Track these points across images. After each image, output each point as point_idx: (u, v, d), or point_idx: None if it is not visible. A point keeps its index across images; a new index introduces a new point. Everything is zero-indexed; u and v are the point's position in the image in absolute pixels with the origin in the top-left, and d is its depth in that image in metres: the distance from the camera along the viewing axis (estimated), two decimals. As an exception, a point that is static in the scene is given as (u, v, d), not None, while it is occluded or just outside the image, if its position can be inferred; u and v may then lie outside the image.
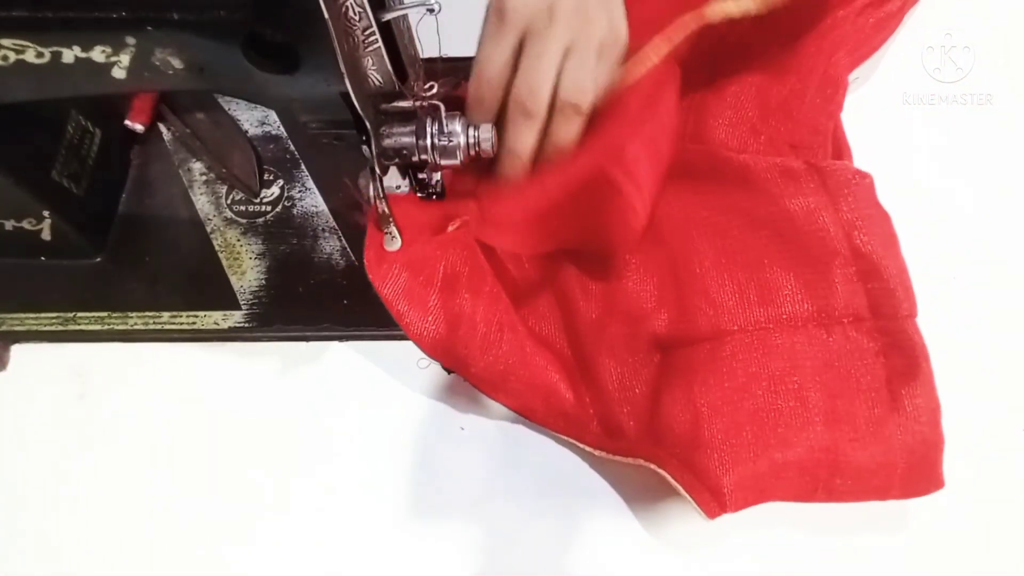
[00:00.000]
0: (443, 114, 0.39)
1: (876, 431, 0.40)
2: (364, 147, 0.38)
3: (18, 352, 0.50)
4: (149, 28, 0.34)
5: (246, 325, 0.49)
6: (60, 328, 0.50)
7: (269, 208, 0.53)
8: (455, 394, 0.47)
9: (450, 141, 0.39)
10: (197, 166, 0.54)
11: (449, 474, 0.45)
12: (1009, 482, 0.44)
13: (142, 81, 0.37)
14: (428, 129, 0.38)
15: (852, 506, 0.41)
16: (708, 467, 0.39)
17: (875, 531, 0.42)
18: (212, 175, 0.54)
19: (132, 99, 0.54)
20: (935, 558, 0.42)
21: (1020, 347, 0.47)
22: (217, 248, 0.51)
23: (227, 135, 0.54)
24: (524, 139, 0.41)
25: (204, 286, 0.50)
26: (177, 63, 0.36)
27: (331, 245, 0.51)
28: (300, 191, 0.53)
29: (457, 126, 0.39)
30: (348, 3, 0.32)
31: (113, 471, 0.46)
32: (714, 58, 0.48)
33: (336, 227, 0.52)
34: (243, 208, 0.53)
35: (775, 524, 0.43)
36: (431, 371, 0.48)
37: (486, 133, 0.39)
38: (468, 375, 0.45)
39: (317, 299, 0.49)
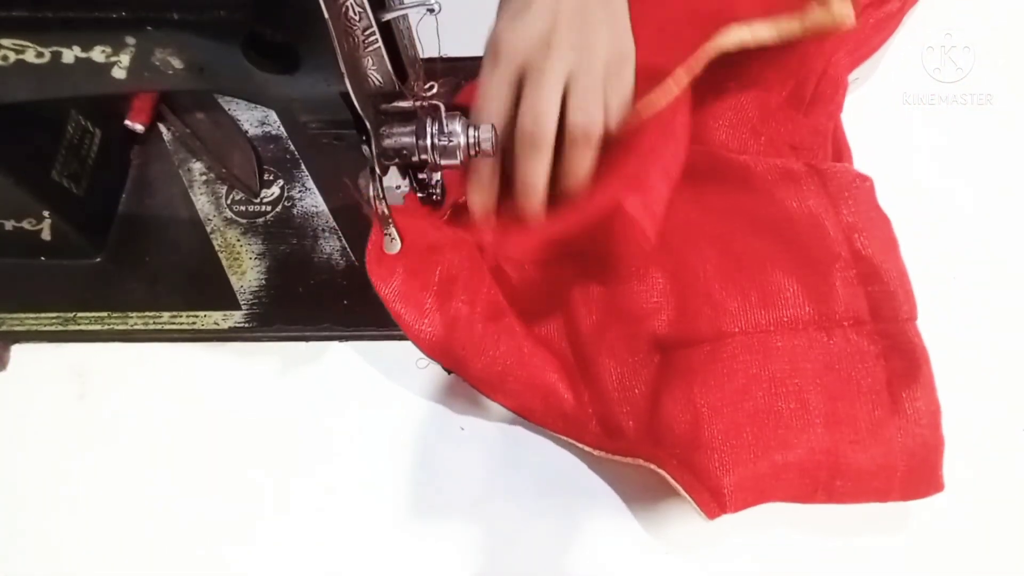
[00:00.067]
0: (443, 114, 0.39)
1: (876, 433, 0.40)
2: (364, 147, 0.38)
3: (18, 352, 0.50)
4: (149, 28, 0.34)
5: (246, 325, 0.49)
6: (60, 328, 0.50)
7: (269, 208, 0.53)
8: (455, 394, 0.47)
9: (450, 141, 0.39)
10: (197, 166, 0.54)
11: (449, 474, 0.45)
12: (1009, 482, 0.44)
13: (142, 81, 0.37)
14: (428, 129, 0.38)
15: (852, 506, 0.41)
16: (708, 467, 0.39)
17: (875, 531, 0.42)
18: (212, 175, 0.54)
19: (132, 99, 0.54)
20: (935, 558, 0.42)
21: (1020, 347, 0.47)
22: (217, 248, 0.52)
23: (227, 135, 0.54)
24: (535, 171, 0.41)
25: (204, 286, 0.50)
26: (177, 63, 0.36)
27: (331, 245, 0.51)
28: (300, 191, 0.53)
29: (457, 126, 0.39)
30: (348, 3, 0.32)
31: (113, 471, 0.46)
32: (714, 59, 0.48)
33: (336, 227, 0.52)
34: (243, 208, 0.53)
35: (775, 524, 0.43)
36: (431, 371, 0.48)
37: (486, 133, 0.39)
38: (466, 375, 0.45)
39: (317, 299, 0.49)
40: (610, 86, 0.41)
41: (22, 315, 0.50)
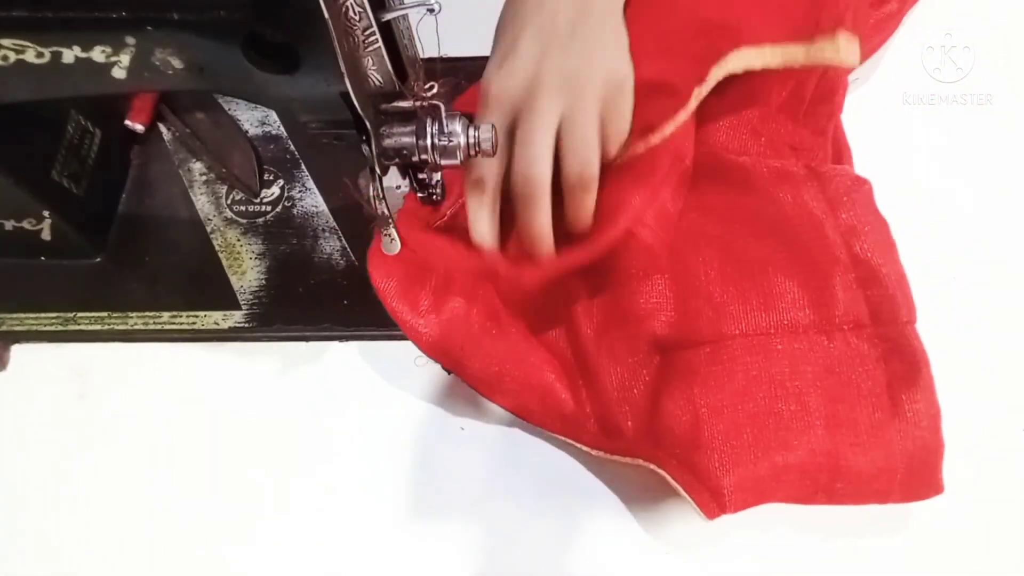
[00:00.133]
0: (443, 114, 0.39)
1: (877, 436, 0.40)
2: (364, 147, 0.38)
3: (18, 352, 0.50)
4: (149, 28, 0.34)
5: (246, 325, 0.49)
6: (60, 328, 0.50)
7: (269, 208, 0.53)
8: (455, 394, 0.47)
9: (450, 141, 0.39)
10: (197, 166, 0.54)
11: (449, 474, 0.45)
12: (1009, 482, 0.44)
13: (142, 81, 0.37)
14: (428, 129, 0.38)
15: (852, 507, 0.41)
16: (708, 468, 0.39)
17: (875, 532, 0.42)
18: (212, 175, 0.54)
19: (132, 99, 0.54)
20: (935, 559, 0.42)
21: (1020, 347, 0.47)
22: (217, 248, 0.51)
23: (227, 135, 0.54)
24: (536, 221, 0.41)
25: (204, 286, 0.50)
26: (177, 63, 0.36)
27: (331, 245, 0.51)
28: (300, 191, 0.53)
29: (457, 126, 0.39)
30: (348, 3, 0.32)
31: (113, 471, 0.46)
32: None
33: (336, 227, 0.52)
34: (243, 208, 0.53)
35: (775, 525, 0.43)
36: (431, 371, 0.48)
37: (486, 133, 0.39)
38: (464, 375, 0.45)
39: (317, 299, 0.49)
40: (607, 115, 0.41)
41: (22, 315, 0.50)
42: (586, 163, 0.40)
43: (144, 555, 0.44)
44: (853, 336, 0.42)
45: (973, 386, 0.45)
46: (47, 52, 0.36)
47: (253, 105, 0.55)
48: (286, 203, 0.53)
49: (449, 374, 0.47)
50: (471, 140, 0.39)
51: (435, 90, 0.38)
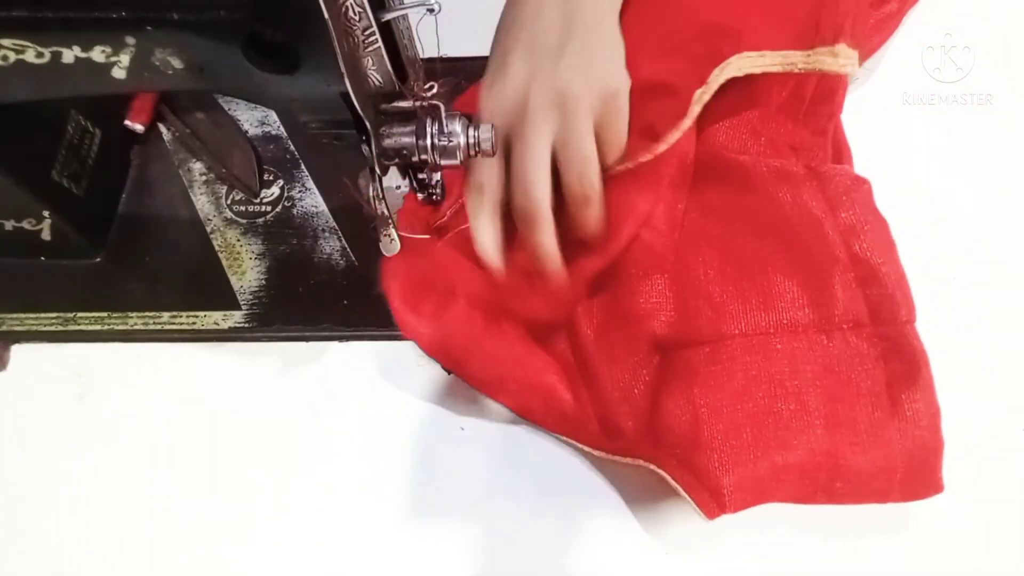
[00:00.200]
0: (443, 114, 0.39)
1: (876, 435, 0.40)
2: (364, 147, 0.38)
3: (18, 352, 0.50)
4: (149, 28, 0.34)
5: (246, 325, 0.49)
6: (60, 328, 0.50)
7: (269, 208, 0.53)
8: (455, 394, 0.47)
9: (450, 141, 0.39)
10: (197, 166, 0.54)
11: (449, 474, 0.45)
12: (1009, 482, 0.44)
13: (142, 81, 0.37)
14: (428, 129, 0.38)
15: (852, 507, 0.41)
16: (708, 467, 0.39)
17: (875, 532, 0.42)
18: (212, 175, 0.54)
19: (132, 99, 0.54)
20: (935, 559, 0.42)
21: (1020, 347, 0.47)
22: (217, 248, 0.52)
23: (227, 135, 0.54)
24: (539, 241, 0.41)
25: (204, 286, 0.50)
26: (177, 63, 0.36)
27: (331, 245, 0.51)
28: (300, 191, 0.53)
29: (457, 126, 0.39)
30: (348, 3, 0.32)
31: (113, 471, 0.46)
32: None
33: (336, 227, 0.52)
34: (243, 208, 0.53)
35: (775, 525, 0.43)
36: (431, 371, 0.48)
37: (486, 133, 0.39)
38: (466, 376, 0.45)
39: (317, 299, 0.49)
40: (602, 127, 0.41)
41: (22, 315, 0.50)
42: (585, 178, 0.40)
43: (144, 555, 0.44)
44: (852, 335, 0.42)
45: (973, 386, 0.45)
46: (47, 52, 0.36)
47: (253, 105, 0.55)
48: (286, 203, 0.53)
49: (449, 374, 0.47)
50: (471, 140, 0.39)
51: (435, 90, 0.38)
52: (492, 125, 0.40)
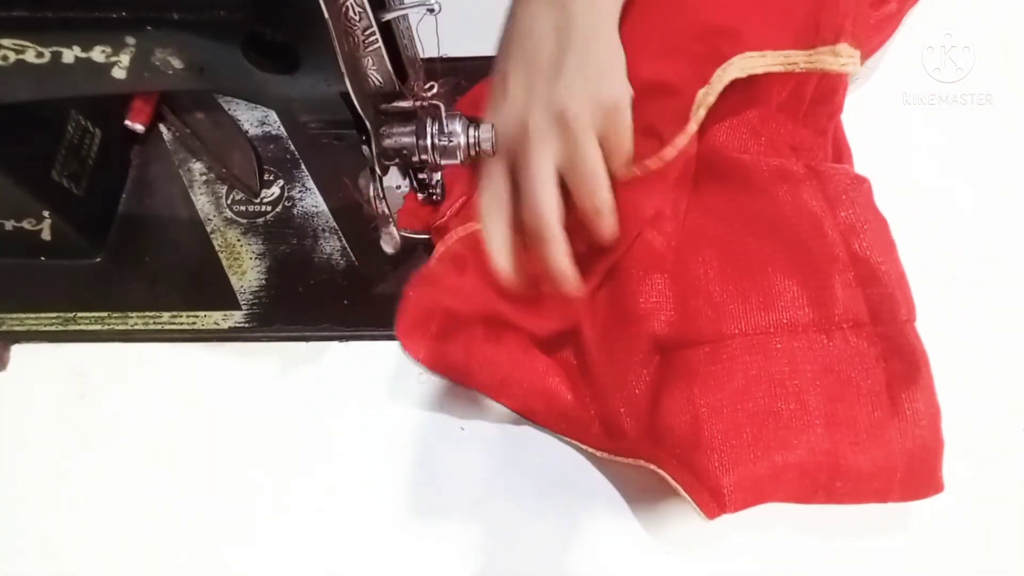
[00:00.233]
0: (443, 114, 0.39)
1: (876, 435, 0.40)
2: (364, 147, 0.38)
3: (18, 352, 0.50)
4: (149, 28, 0.34)
5: (246, 325, 0.49)
6: (60, 328, 0.50)
7: (269, 208, 0.53)
8: (455, 394, 0.47)
9: (450, 141, 0.39)
10: (197, 166, 0.54)
11: (449, 474, 0.45)
12: (1009, 482, 0.44)
13: (142, 81, 0.37)
14: (428, 129, 0.38)
15: (852, 507, 0.41)
16: (708, 467, 0.39)
17: (875, 532, 0.42)
18: (212, 175, 0.54)
19: (132, 99, 0.54)
20: (935, 559, 0.42)
21: (1020, 347, 0.47)
22: (217, 248, 0.52)
23: (227, 135, 0.54)
24: (555, 258, 0.41)
25: (204, 286, 0.50)
26: (177, 63, 0.36)
27: (331, 245, 0.51)
28: (300, 191, 0.53)
29: (457, 126, 0.39)
30: (348, 3, 0.32)
31: (113, 471, 0.46)
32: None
33: (336, 227, 0.52)
34: (243, 208, 0.53)
35: (775, 525, 0.43)
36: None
37: (486, 133, 0.39)
38: (469, 384, 0.45)
39: (317, 299, 0.50)
40: (605, 139, 0.40)
41: (22, 315, 0.50)
42: (595, 193, 0.40)
43: (144, 555, 0.44)
44: (852, 335, 0.42)
45: (973, 386, 0.45)
46: (47, 52, 0.36)
47: (253, 105, 0.55)
48: (286, 203, 0.53)
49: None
50: (471, 140, 0.39)
51: (435, 90, 0.38)
52: (492, 125, 0.40)
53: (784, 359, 0.41)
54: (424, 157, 0.39)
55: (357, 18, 0.33)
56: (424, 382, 0.47)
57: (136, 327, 0.49)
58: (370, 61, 0.35)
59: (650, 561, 0.43)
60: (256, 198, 0.53)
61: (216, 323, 0.49)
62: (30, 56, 0.36)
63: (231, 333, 0.49)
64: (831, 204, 0.44)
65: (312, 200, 0.53)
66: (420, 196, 0.45)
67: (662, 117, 0.43)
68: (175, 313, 0.50)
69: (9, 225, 0.48)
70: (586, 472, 0.45)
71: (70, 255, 0.51)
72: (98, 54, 0.36)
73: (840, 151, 0.50)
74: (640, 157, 0.43)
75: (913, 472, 0.40)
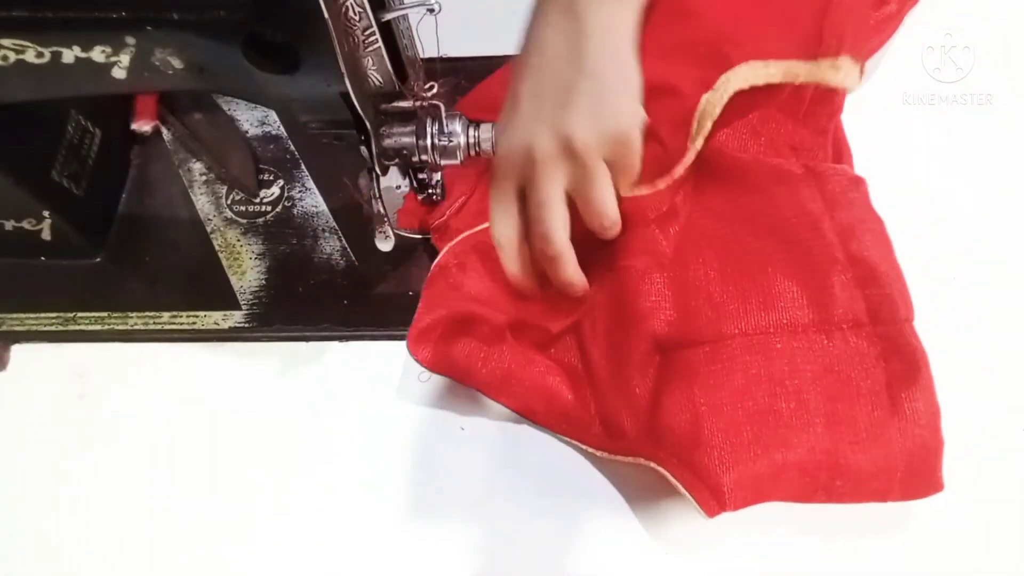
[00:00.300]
0: (443, 114, 0.39)
1: (876, 434, 0.40)
2: (364, 147, 0.38)
3: (18, 352, 0.50)
4: (149, 28, 0.35)
5: (246, 325, 0.49)
6: (60, 328, 0.50)
7: (269, 208, 0.53)
8: (455, 394, 0.47)
9: (450, 141, 0.39)
10: (197, 166, 0.54)
11: (449, 474, 0.45)
12: (1009, 482, 0.44)
13: (142, 81, 0.37)
14: (428, 129, 0.39)
15: (852, 506, 0.41)
16: (708, 465, 0.39)
17: (875, 531, 0.42)
18: (212, 175, 0.54)
19: (134, 100, 0.54)
20: (935, 559, 0.42)
21: (1020, 347, 0.47)
22: (217, 248, 0.52)
23: (226, 136, 0.54)
24: (567, 276, 0.42)
25: (204, 286, 0.50)
26: (177, 63, 0.36)
27: (331, 245, 0.51)
28: (300, 191, 0.53)
29: (457, 126, 0.39)
30: (348, 3, 0.32)
31: (113, 471, 0.46)
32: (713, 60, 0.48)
33: (336, 227, 0.52)
34: (243, 208, 0.53)
35: (775, 524, 0.43)
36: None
37: (486, 133, 0.40)
38: (470, 383, 0.45)
39: (317, 299, 0.50)
40: (614, 164, 0.40)
41: (22, 315, 0.50)
42: (604, 214, 0.41)
43: (144, 555, 0.44)
44: (852, 335, 0.42)
45: (973, 386, 0.45)
46: (47, 52, 0.36)
47: (253, 105, 0.55)
48: (286, 203, 0.53)
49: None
50: (471, 140, 0.40)
51: (435, 90, 0.38)
52: (492, 125, 0.40)
53: (784, 359, 0.41)
54: (424, 157, 0.39)
55: (357, 18, 0.33)
56: (424, 382, 0.47)
57: (136, 327, 0.49)
58: (370, 61, 0.35)
59: (650, 561, 0.43)
60: (255, 198, 0.53)
61: (216, 323, 0.49)
62: (30, 56, 0.36)
63: (231, 333, 0.49)
64: (829, 205, 0.44)
65: (312, 200, 0.53)
66: (420, 196, 0.45)
67: (663, 120, 0.43)
68: (175, 313, 0.50)
69: (9, 225, 0.48)
70: (586, 472, 0.45)
71: (70, 255, 0.51)
72: (98, 54, 0.36)
73: (840, 151, 0.50)
74: (651, 180, 0.43)
75: (913, 472, 0.40)
